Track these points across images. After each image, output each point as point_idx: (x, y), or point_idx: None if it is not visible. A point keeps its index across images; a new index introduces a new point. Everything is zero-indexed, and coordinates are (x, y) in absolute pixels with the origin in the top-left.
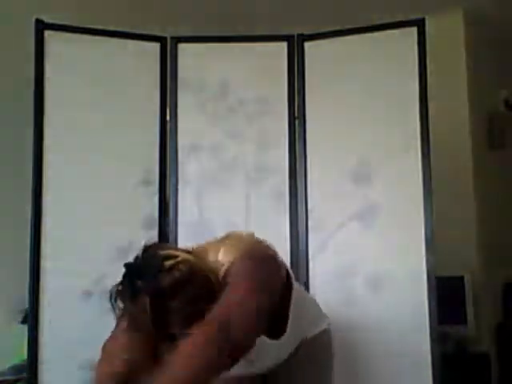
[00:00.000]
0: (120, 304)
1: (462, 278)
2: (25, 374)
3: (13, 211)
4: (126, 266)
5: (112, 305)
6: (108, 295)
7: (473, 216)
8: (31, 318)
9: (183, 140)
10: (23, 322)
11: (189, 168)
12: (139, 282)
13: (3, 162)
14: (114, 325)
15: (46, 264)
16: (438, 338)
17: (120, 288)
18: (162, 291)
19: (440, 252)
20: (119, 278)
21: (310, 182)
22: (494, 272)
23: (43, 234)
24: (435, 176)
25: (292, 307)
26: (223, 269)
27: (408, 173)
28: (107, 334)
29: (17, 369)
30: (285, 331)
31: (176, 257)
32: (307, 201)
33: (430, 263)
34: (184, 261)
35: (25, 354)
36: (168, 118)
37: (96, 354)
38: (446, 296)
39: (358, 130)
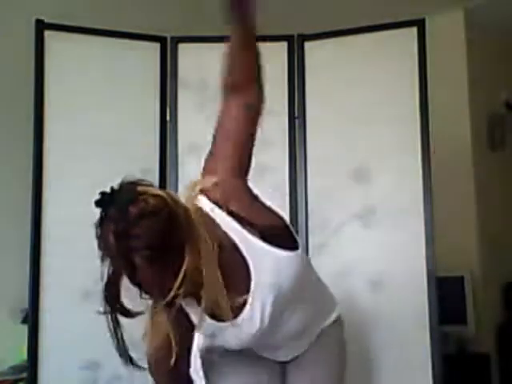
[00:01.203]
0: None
1: (462, 278)
2: (25, 374)
3: (13, 211)
4: (101, 193)
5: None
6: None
7: (473, 216)
8: (31, 318)
9: (183, 140)
10: (23, 322)
11: (189, 168)
12: (110, 210)
13: (3, 161)
14: None
15: (46, 264)
16: (438, 338)
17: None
18: (126, 219)
19: (440, 252)
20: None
21: (309, 182)
22: (494, 272)
23: (43, 234)
24: (435, 176)
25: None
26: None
27: (408, 173)
28: (107, 334)
29: (17, 369)
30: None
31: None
32: (307, 200)
33: (430, 263)
34: (152, 195)
35: (25, 354)
36: (168, 118)
37: (96, 353)
38: (446, 296)
39: (357, 130)
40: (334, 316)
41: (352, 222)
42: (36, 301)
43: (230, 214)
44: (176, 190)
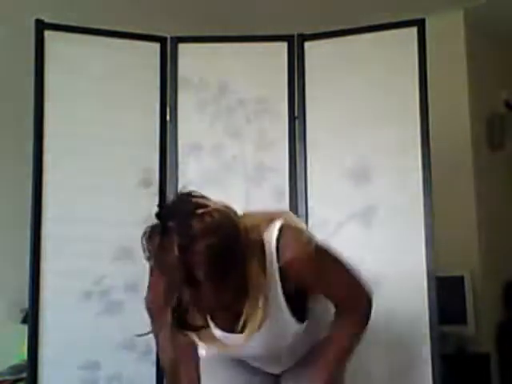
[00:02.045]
0: (149, 247)
1: (462, 278)
2: (25, 374)
3: (13, 211)
4: (160, 207)
5: (143, 248)
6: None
7: (473, 216)
8: (31, 318)
9: (183, 140)
10: (23, 322)
11: (189, 168)
12: (170, 223)
13: (3, 162)
14: (113, 325)
15: (46, 264)
16: (438, 338)
17: (150, 230)
18: (191, 233)
19: (440, 252)
20: (119, 278)
21: (309, 182)
22: (494, 272)
23: (43, 234)
24: (435, 176)
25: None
26: (265, 234)
27: (408, 173)
28: (107, 334)
29: (17, 369)
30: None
31: (208, 206)
32: (307, 201)
33: (430, 263)
34: (216, 210)
35: (25, 354)
36: (168, 118)
37: (96, 353)
38: (446, 296)
39: (357, 130)
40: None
41: (352, 222)
42: (36, 301)
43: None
44: (176, 190)
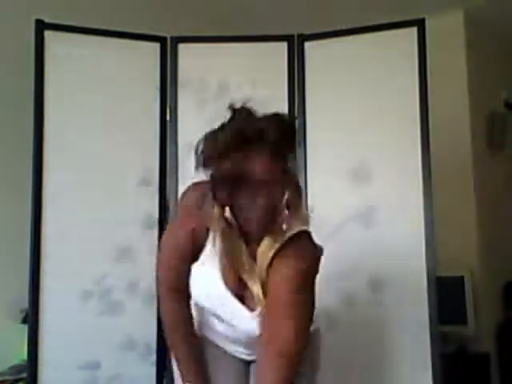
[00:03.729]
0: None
1: (462, 278)
2: (25, 374)
3: (13, 211)
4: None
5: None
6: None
7: (473, 216)
8: (31, 318)
9: (183, 140)
10: (23, 322)
11: (189, 168)
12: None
13: (3, 162)
14: (113, 325)
15: (46, 264)
16: (438, 338)
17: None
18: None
19: (440, 252)
20: (119, 278)
21: (309, 182)
22: (494, 272)
23: (43, 234)
24: (435, 176)
25: None
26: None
27: (408, 173)
28: (107, 334)
29: (17, 369)
30: None
31: None
32: (307, 200)
33: (430, 263)
34: None
35: (25, 354)
36: (168, 117)
37: (96, 353)
38: (446, 296)
39: (357, 130)
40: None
41: (352, 222)
42: (36, 301)
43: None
44: (176, 190)
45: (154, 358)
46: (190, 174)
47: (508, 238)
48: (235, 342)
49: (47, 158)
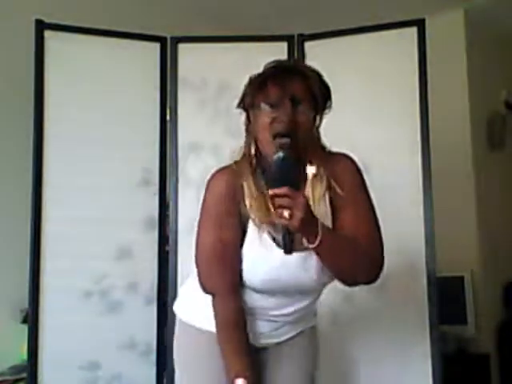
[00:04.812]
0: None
1: (462, 278)
2: (25, 374)
3: (13, 211)
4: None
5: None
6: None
7: (473, 216)
8: (31, 318)
9: (183, 140)
10: (23, 321)
11: (189, 167)
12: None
13: (3, 162)
14: (113, 325)
15: (46, 264)
16: (438, 338)
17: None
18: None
19: (440, 252)
20: (119, 278)
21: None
22: (494, 272)
23: (43, 234)
24: (435, 176)
25: None
26: None
27: (408, 172)
28: (107, 334)
29: (17, 369)
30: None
31: None
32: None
33: (430, 263)
34: None
35: (25, 354)
36: (168, 117)
37: (96, 353)
38: (446, 296)
39: (357, 130)
40: (314, 322)
41: None
42: (36, 301)
43: None
44: (176, 190)
45: (153, 357)
46: (190, 174)
47: (508, 238)
48: (284, 314)
49: (47, 157)
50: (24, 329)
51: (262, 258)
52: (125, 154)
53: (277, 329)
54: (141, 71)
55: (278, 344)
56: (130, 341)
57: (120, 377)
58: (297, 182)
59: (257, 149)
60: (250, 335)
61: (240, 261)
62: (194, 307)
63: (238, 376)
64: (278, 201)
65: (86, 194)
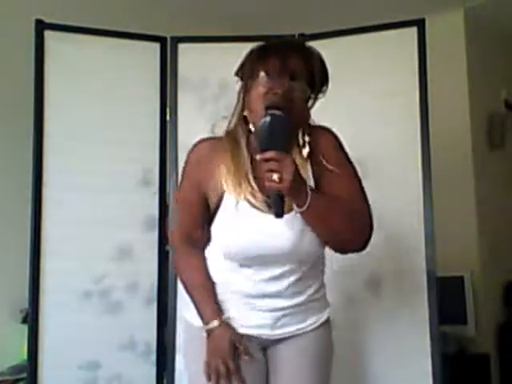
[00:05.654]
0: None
1: (462, 278)
2: (25, 374)
3: (13, 211)
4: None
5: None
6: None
7: (473, 216)
8: (31, 318)
9: (183, 140)
10: (23, 321)
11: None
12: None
13: (3, 162)
14: (113, 325)
15: (46, 264)
16: (438, 338)
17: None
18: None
19: (440, 252)
20: (119, 278)
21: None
22: (494, 272)
23: (43, 234)
24: (435, 176)
25: None
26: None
27: (408, 172)
28: (107, 334)
29: (17, 369)
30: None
31: None
32: None
33: (430, 263)
34: None
35: (25, 354)
36: (168, 117)
37: (96, 353)
38: (446, 296)
39: (357, 130)
40: (326, 315)
41: None
42: (36, 301)
43: None
44: (176, 190)
45: (153, 357)
46: None
47: (508, 238)
48: (271, 281)
49: (47, 158)
50: (24, 329)
51: (237, 224)
52: (125, 154)
53: (276, 320)
54: (141, 71)
55: (279, 343)
56: (129, 341)
57: (120, 377)
58: (285, 146)
59: (245, 121)
60: (248, 328)
61: (205, 220)
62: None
63: (211, 319)
64: (267, 165)
65: (86, 193)
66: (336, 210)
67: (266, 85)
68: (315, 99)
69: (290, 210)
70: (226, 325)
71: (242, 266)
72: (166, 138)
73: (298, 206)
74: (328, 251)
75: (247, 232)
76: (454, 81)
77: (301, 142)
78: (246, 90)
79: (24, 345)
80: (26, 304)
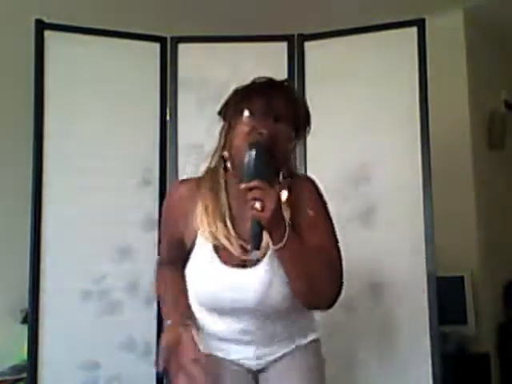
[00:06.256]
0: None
1: (462, 278)
2: (25, 374)
3: (13, 211)
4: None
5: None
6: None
7: (473, 216)
8: (31, 318)
9: (183, 139)
10: (23, 322)
11: (189, 168)
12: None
13: (3, 162)
14: (113, 325)
15: (46, 264)
16: (438, 338)
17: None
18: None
19: (440, 252)
20: (119, 278)
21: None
22: (494, 272)
23: (43, 234)
24: (435, 176)
25: None
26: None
27: (408, 173)
28: (107, 334)
29: (17, 369)
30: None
31: None
32: None
33: (430, 263)
34: None
35: (25, 354)
36: (168, 117)
37: (96, 353)
38: (446, 296)
39: (358, 130)
40: (311, 337)
41: (352, 221)
42: (36, 301)
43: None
44: None
45: (153, 358)
46: (190, 174)
47: (508, 238)
48: (244, 333)
49: (47, 158)
50: (24, 329)
51: (207, 271)
52: (125, 154)
53: (257, 355)
54: (141, 71)
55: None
56: (129, 341)
57: (120, 377)
58: (269, 179)
59: (229, 158)
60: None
61: (182, 256)
62: None
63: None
64: (251, 193)
65: (86, 194)
66: (312, 256)
67: (250, 124)
68: (298, 141)
69: (263, 255)
70: (189, 328)
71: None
72: (166, 137)
73: (274, 242)
74: None
75: (214, 284)
76: (453, 81)
77: (280, 184)
78: (228, 128)
79: (24, 345)
80: (26, 304)
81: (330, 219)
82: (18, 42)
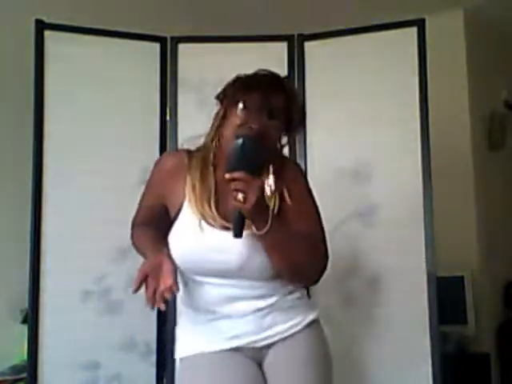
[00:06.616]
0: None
1: (462, 278)
2: (25, 374)
3: (13, 211)
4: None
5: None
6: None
7: (473, 216)
8: (31, 318)
9: (183, 139)
10: (23, 322)
11: None
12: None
13: (3, 162)
14: (113, 325)
15: (46, 264)
16: (438, 338)
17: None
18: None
19: (440, 252)
20: (119, 278)
21: (309, 182)
22: (494, 272)
23: (43, 234)
24: (435, 176)
25: None
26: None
27: (408, 172)
28: (107, 334)
29: (17, 369)
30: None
31: None
32: None
33: (430, 263)
34: None
35: (25, 354)
36: (168, 117)
37: (96, 353)
38: (446, 296)
39: (357, 130)
40: (313, 315)
41: (352, 221)
42: (36, 301)
43: None
44: None
45: (153, 357)
46: None
47: (508, 238)
48: (234, 300)
49: (47, 158)
50: (24, 329)
51: (193, 231)
52: (124, 154)
53: (258, 323)
54: (141, 71)
55: (268, 353)
56: (129, 341)
57: (120, 377)
58: (254, 170)
59: (218, 142)
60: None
61: (157, 221)
62: (184, 339)
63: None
64: (234, 184)
65: (86, 193)
66: (295, 242)
67: (243, 118)
68: (289, 139)
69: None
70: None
71: (201, 276)
72: (165, 138)
73: (257, 229)
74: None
75: (199, 243)
76: (453, 81)
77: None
78: (222, 116)
79: (24, 345)
80: (26, 304)
81: (314, 203)
82: (18, 41)
